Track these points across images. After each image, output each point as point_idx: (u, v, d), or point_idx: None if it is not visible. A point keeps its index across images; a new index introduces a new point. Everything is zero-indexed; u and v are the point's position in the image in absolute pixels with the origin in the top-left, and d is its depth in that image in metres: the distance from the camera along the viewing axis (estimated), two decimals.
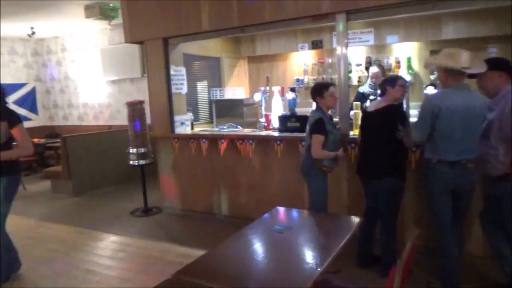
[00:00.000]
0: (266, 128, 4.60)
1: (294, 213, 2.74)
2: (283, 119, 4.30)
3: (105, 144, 6.69)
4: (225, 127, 4.99)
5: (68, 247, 4.21)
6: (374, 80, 4.85)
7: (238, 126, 4.98)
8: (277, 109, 4.57)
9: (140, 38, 4.82)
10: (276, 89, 4.62)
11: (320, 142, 3.16)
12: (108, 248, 4.12)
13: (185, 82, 4.98)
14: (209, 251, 2.20)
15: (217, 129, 4.99)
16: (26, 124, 8.97)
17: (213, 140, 4.57)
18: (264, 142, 4.30)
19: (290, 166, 4.14)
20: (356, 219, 2.46)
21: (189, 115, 5.08)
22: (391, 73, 5.66)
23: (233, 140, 4.44)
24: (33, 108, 9.36)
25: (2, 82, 8.64)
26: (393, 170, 3.04)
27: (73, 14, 6.70)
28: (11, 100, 8.81)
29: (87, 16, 6.33)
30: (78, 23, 7.49)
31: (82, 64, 8.62)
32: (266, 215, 2.65)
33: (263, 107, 4.71)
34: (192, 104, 5.77)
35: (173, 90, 4.81)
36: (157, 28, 4.62)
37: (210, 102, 6.01)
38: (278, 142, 4.13)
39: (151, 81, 4.88)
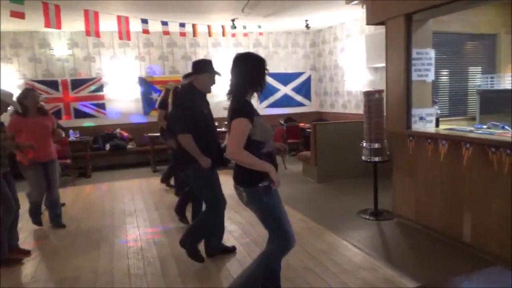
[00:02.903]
0: None
1: None
2: None
3: (352, 134, 6.44)
4: (484, 126, 3.73)
5: None
6: None
7: (506, 127, 3.62)
8: None
9: (381, 17, 4.20)
10: None
11: None
12: (317, 248, 3.89)
13: (432, 68, 4.01)
14: None
15: (469, 128, 3.79)
16: (301, 109, 10.19)
17: (456, 143, 3.48)
18: None
19: None
20: None
21: (434, 109, 4.09)
22: None
23: (483, 147, 3.22)
24: (307, 95, 10.24)
25: (285, 71, 9.86)
26: None
27: (340, 3, 6.68)
28: (290, 87, 9.96)
29: (347, 2, 6.16)
30: (346, 11, 7.47)
31: (349, 52, 8.63)
32: (476, 276, 1.70)
33: None
34: (449, 94, 4.65)
35: (415, 78, 3.97)
36: (399, 3, 3.88)
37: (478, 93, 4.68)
38: None
39: (390, 67, 4.19)
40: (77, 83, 8.63)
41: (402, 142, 4.19)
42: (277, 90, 9.93)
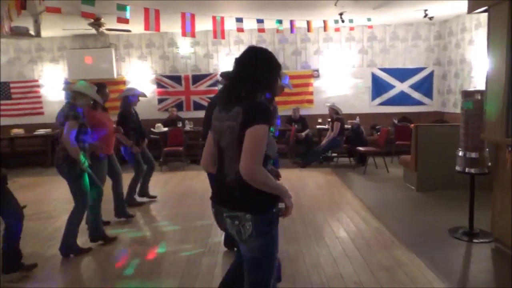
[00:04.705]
0: None
1: None
2: None
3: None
4: None
5: (355, 245, 3.94)
6: None
7: None
8: None
9: (484, 4, 3.51)
10: None
11: None
12: (381, 263, 3.50)
13: None
14: None
15: None
16: (419, 109, 9.21)
17: None
18: None
19: None
20: None
21: None
22: None
23: None
24: (428, 93, 9.22)
25: (402, 66, 9.08)
26: None
27: None
28: (407, 84, 9.13)
29: None
30: None
31: (478, 44, 7.44)
32: None
33: None
34: None
35: None
36: None
37: None
38: None
39: (492, 63, 3.50)
40: (197, 78, 9.49)
41: (502, 153, 3.49)
42: (392, 86, 9.20)
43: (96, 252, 3.95)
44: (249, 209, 1.85)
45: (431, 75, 9.13)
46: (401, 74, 9.14)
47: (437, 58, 9.07)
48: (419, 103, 9.22)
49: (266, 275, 1.97)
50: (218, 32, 5.75)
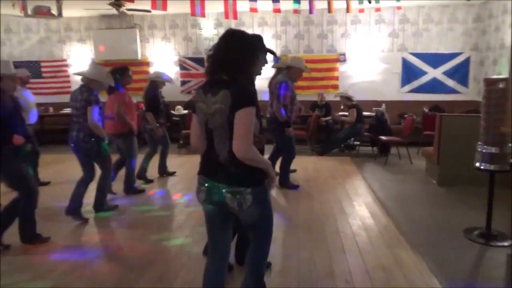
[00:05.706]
0: None
1: None
2: None
3: None
4: None
5: (357, 240, 3.73)
6: None
7: None
8: None
9: None
10: None
11: None
12: (380, 262, 3.28)
13: None
14: None
15: None
16: (453, 97, 8.59)
17: None
18: None
19: None
20: None
21: None
22: None
23: None
24: (463, 80, 8.59)
25: (436, 51, 8.50)
26: None
27: None
28: (440, 70, 8.54)
29: None
30: None
31: None
32: None
33: None
34: None
35: None
36: None
37: None
38: None
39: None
40: None
41: None
42: (424, 73, 8.65)
43: (84, 233, 3.99)
44: (249, 184, 2.04)
45: (467, 61, 8.48)
46: (434, 59, 8.55)
47: (475, 43, 8.39)
48: (453, 91, 8.62)
49: (268, 232, 2.27)
50: (230, 12, 5.55)
